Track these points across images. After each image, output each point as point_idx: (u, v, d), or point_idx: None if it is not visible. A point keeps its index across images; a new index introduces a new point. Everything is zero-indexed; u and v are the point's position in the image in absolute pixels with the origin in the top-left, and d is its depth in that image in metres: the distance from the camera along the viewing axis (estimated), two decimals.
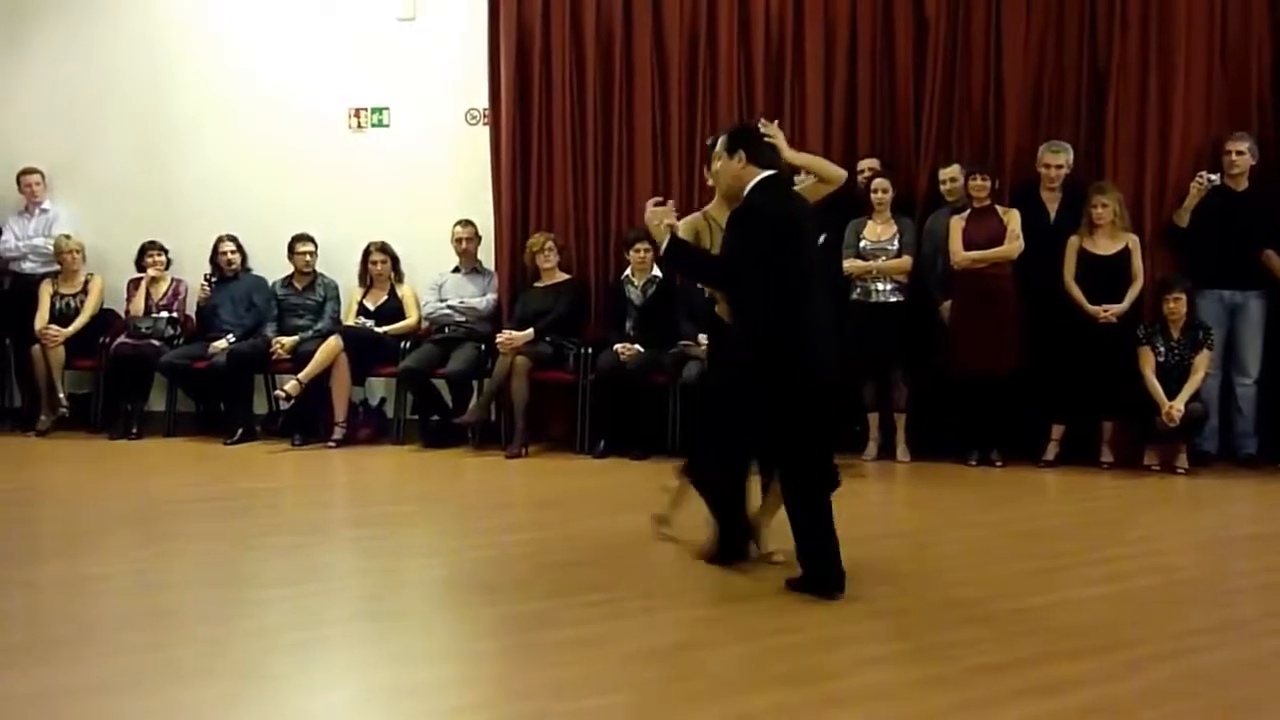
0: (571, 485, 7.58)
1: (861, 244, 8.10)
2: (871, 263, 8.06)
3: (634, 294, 8.57)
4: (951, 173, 8.16)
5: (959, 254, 7.88)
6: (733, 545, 5.44)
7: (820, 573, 4.94)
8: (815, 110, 8.54)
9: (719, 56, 8.70)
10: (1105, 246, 7.90)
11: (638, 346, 8.30)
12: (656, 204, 5.33)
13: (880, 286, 8.08)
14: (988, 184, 7.90)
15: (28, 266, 9.62)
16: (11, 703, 3.78)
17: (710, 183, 5.54)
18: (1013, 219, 7.88)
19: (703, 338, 7.10)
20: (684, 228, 5.45)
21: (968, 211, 7.95)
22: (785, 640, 4.40)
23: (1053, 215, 8.06)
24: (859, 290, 8.12)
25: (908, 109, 8.47)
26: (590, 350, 8.55)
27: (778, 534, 5.39)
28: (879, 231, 8.11)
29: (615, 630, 4.53)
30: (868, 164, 8.34)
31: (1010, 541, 6.13)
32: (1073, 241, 7.95)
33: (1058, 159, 8.01)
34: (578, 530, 6.30)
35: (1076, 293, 7.89)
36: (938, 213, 8.18)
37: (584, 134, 8.91)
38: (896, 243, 8.07)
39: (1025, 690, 3.91)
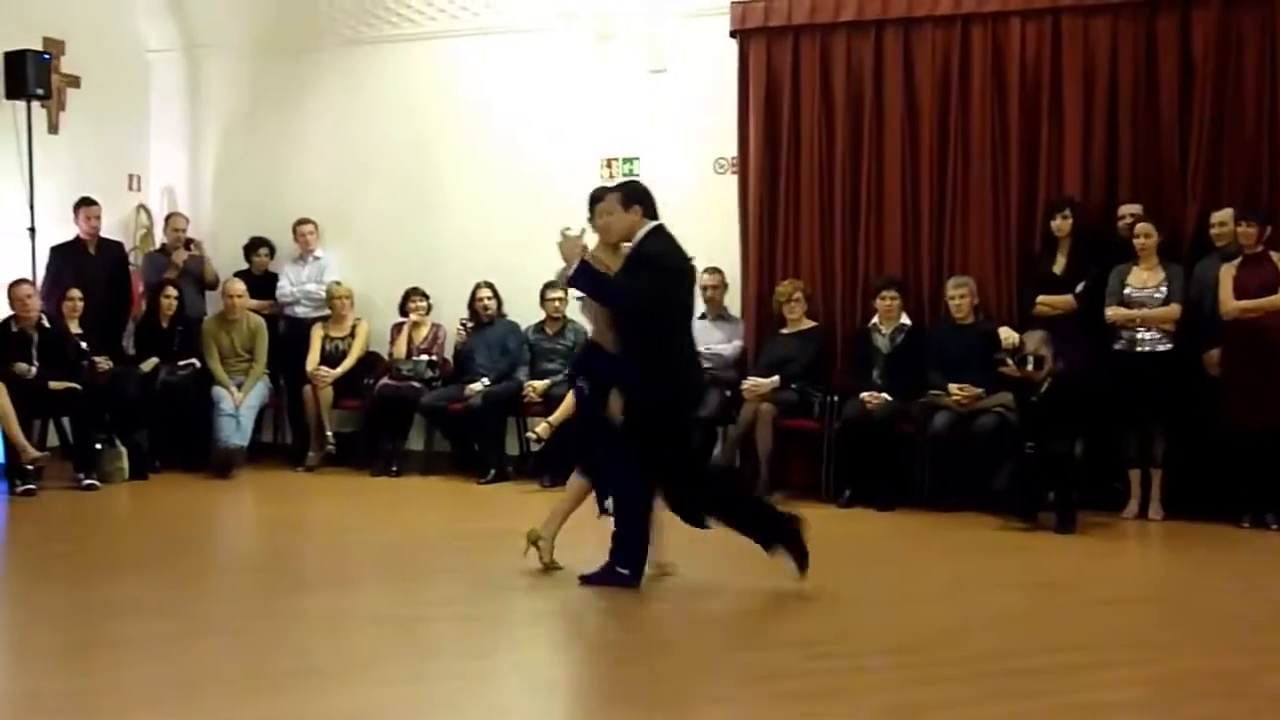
0: (816, 534, 7.43)
1: (1126, 291, 7.76)
2: (1136, 311, 7.72)
3: (881, 342, 8.46)
4: (1222, 217, 7.76)
5: (1229, 303, 7.48)
6: (783, 527, 5.80)
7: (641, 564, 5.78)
8: (1073, 155, 8.27)
9: (971, 101, 8.54)
10: None
11: (885, 395, 8.17)
12: (568, 231, 5.84)
13: (1145, 335, 7.72)
14: (1255, 230, 7.46)
15: (300, 311, 10.18)
16: None
17: (592, 229, 6.09)
18: None
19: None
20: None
21: (1239, 259, 7.54)
22: (1039, 704, 4.23)
23: None
24: (1123, 340, 7.77)
25: (1173, 152, 8.10)
26: (836, 398, 8.46)
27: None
28: (1145, 278, 7.75)
29: (858, 683, 4.46)
30: (1129, 210, 8.02)
31: None
32: None
33: None
34: (822, 580, 6.21)
35: None
36: (1208, 258, 7.77)
37: (832, 181, 8.87)
38: (1164, 289, 7.70)
39: None
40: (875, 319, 8.52)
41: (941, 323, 8.40)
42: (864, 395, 8.21)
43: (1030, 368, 7.57)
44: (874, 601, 5.74)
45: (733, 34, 9.06)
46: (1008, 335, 7.85)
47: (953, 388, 7.97)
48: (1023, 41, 8.41)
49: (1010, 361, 7.64)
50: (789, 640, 5.08)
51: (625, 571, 5.82)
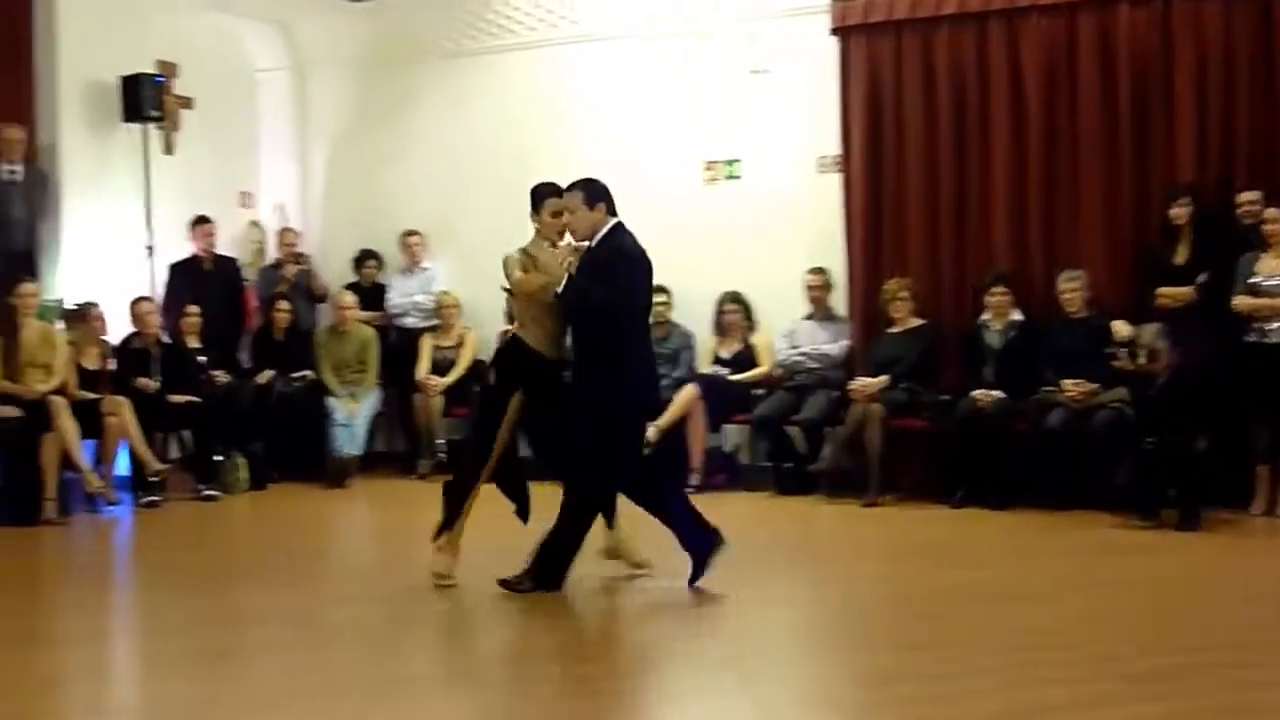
0: (928, 535, 7.41)
1: (1254, 279, 7.49)
2: (1264, 300, 7.46)
3: (992, 338, 8.32)
4: None
5: None
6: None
7: (557, 573, 5.74)
8: (1187, 142, 8.05)
9: (1079, 90, 8.35)
10: None
11: (997, 392, 8.04)
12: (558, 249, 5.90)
13: (1276, 326, 7.42)
14: None
15: (409, 321, 10.32)
16: None
17: (535, 226, 6.06)
18: None
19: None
20: (514, 264, 5.95)
21: None
22: (1161, 707, 4.11)
23: None
24: (1254, 332, 7.50)
25: None
26: (947, 397, 8.35)
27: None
28: (1274, 266, 7.47)
29: (975, 687, 4.38)
30: (1248, 197, 7.77)
31: None
32: None
33: None
34: (935, 581, 6.15)
35: None
36: None
37: (937, 177, 8.75)
38: None
39: None
40: (986, 315, 8.39)
41: (1054, 317, 8.24)
42: (975, 393, 8.09)
43: (1143, 360, 7.38)
44: (989, 602, 5.64)
45: (833, 31, 8.98)
46: (1121, 328, 7.68)
47: (1067, 383, 7.81)
48: (1132, 27, 8.21)
49: (1123, 355, 7.46)
50: (900, 643, 5.02)
51: (703, 551, 5.86)
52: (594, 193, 5.86)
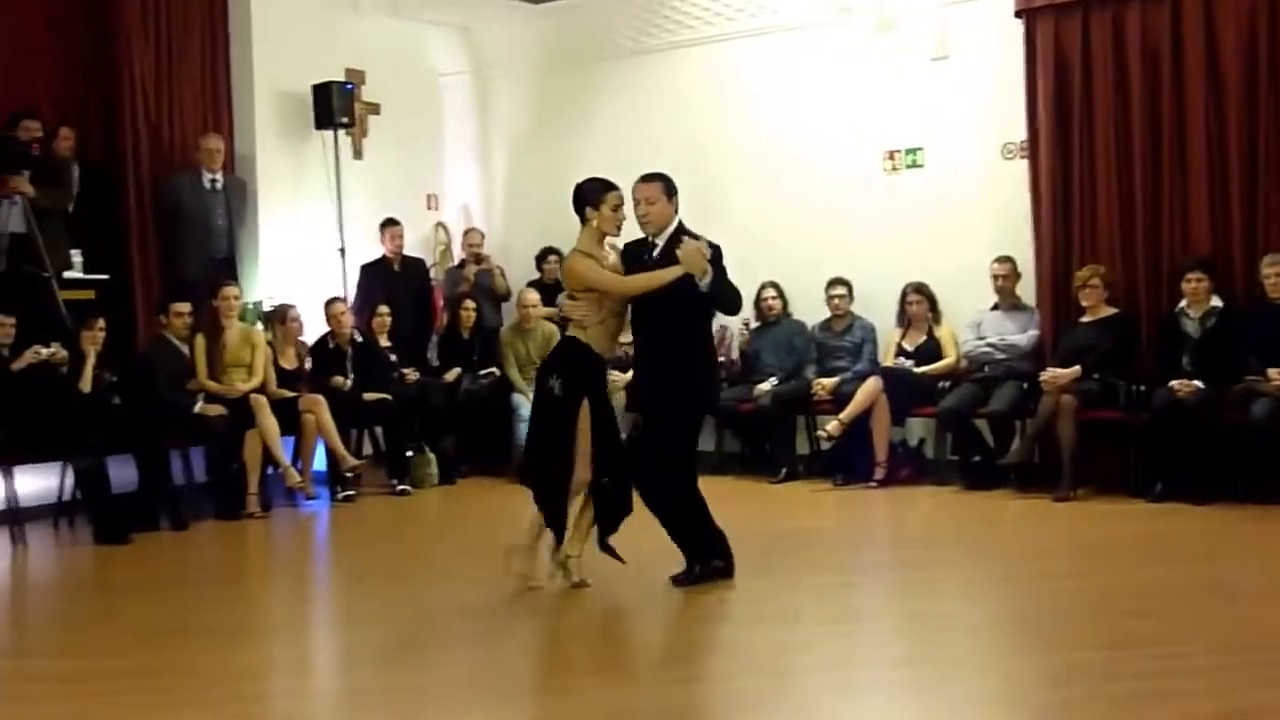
0: (1125, 530, 7.15)
1: None
2: None
3: (1190, 326, 8.00)
4: None
5: None
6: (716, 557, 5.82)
7: (714, 558, 5.81)
8: None
9: None
10: None
11: (1196, 382, 7.71)
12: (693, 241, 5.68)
13: None
14: None
15: None
16: None
17: (593, 223, 5.87)
18: None
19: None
20: (592, 268, 5.81)
21: None
22: None
23: None
24: None
25: None
26: (1142, 387, 8.05)
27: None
28: None
29: (1183, 688, 4.21)
30: None
31: None
32: None
33: None
34: (1134, 578, 5.94)
35: None
36: None
37: (1130, 161, 8.44)
38: None
39: None
40: (1183, 303, 8.06)
41: (1256, 304, 7.87)
42: (1173, 383, 7.78)
43: None
44: (1196, 599, 5.42)
45: (1018, 14, 8.75)
46: None
47: (1272, 373, 7.46)
48: None
49: None
50: (1100, 641, 4.85)
51: (719, 564, 5.89)
52: (671, 186, 5.90)
